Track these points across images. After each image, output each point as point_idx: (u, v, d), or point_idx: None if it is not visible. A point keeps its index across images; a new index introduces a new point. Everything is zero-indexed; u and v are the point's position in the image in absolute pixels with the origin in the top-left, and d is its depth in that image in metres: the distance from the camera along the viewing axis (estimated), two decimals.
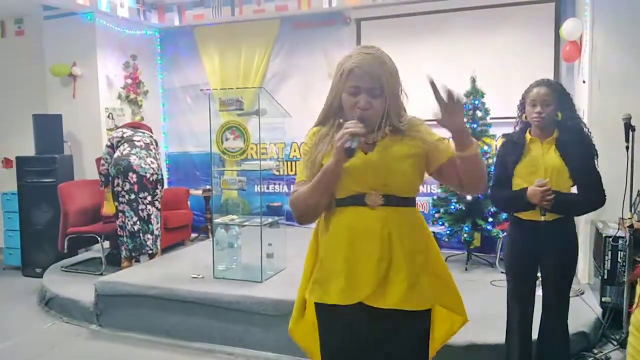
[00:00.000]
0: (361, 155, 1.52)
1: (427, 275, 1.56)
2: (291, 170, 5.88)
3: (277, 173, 5.72)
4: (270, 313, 3.26)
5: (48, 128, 5.20)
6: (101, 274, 4.10)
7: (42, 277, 4.60)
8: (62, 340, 3.56)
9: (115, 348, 3.44)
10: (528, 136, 2.35)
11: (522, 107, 2.37)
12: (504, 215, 4.26)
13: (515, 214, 2.39)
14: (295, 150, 5.89)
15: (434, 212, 4.68)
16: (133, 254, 4.43)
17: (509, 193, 2.37)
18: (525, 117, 2.34)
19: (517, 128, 2.44)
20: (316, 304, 1.62)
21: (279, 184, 5.78)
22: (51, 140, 5.19)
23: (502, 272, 4.22)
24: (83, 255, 5.18)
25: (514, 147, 2.36)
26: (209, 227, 5.85)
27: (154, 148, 4.62)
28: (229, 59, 6.05)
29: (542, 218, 2.25)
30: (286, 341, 3.16)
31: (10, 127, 6.06)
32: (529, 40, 4.92)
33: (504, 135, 2.54)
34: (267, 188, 5.81)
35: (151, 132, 4.80)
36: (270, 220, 3.97)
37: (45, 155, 5.11)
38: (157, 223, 4.51)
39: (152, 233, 4.43)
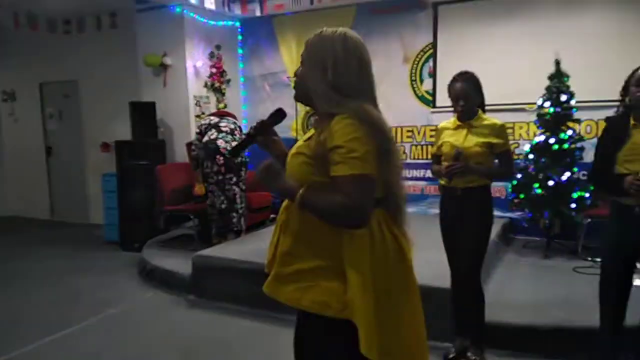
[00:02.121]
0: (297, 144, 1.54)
1: (306, 274, 1.44)
2: None
3: None
4: None
5: (143, 115, 5.64)
6: (194, 249, 4.46)
7: (139, 252, 5.04)
8: (163, 309, 3.92)
9: (210, 317, 3.74)
10: (632, 121, 2.29)
11: (625, 90, 2.32)
12: (590, 201, 4.18)
13: (617, 200, 2.36)
14: None
15: (512, 197, 4.65)
16: (222, 231, 4.78)
17: (608, 178, 2.34)
18: (630, 100, 2.28)
19: (618, 111, 2.39)
20: None
21: None
22: (146, 126, 5.63)
23: (586, 259, 4.15)
24: (174, 232, 5.60)
25: (615, 132, 2.32)
26: None
27: (238, 133, 4.91)
28: None
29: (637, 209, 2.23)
30: None
31: (108, 114, 6.60)
32: (625, 20, 4.66)
33: (607, 119, 2.51)
34: None
35: (235, 119, 5.09)
36: None
37: (141, 139, 5.55)
38: (242, 203, 4.83)
39: (237, 212, 4.77)
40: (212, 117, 4.93)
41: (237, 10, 6.09)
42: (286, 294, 1.47)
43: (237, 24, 6.56)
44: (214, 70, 6.20)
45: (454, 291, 2.90)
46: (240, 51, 6.64)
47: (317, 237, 1.43)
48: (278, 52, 6.39)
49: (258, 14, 6.09)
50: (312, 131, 1.51)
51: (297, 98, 1.56)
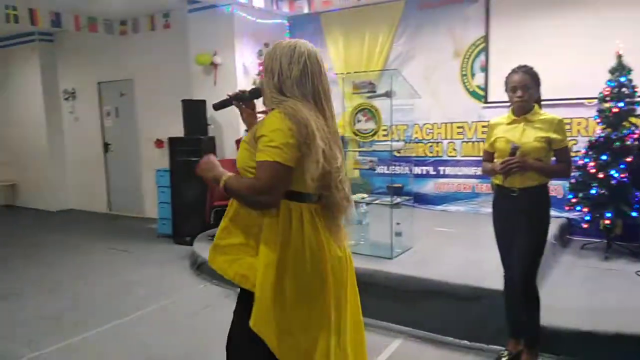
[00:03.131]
0: None
1: (237, 250, 1.68)
2: (412, 152, 5.91)
3: (397, 154, 5.78)
4: (401, 288, 3.39)
5: (194, 112, 5.80)
6: None
7: (191, 245, 5.19)
8: (214, 301, 4.03)
9: None
10: None
11: None
12: None
13: None
14: (417, 132, 5.90)
15: (570, 197, 4.45)
16: None
17: None
18: None
19: None
20: None
21: (401, 165, 5.84)
22: (197, 123, 5.78)
23: None
24: None
25: None
26: None
27: None
28: (352, 43, 6.20)
29: None
30: (414, 315, 3.30)
31: (162, 111, 6.82)
32: None
33: None
34: (389, 169, 5.90)
35: None
36: (399, 200, 4.07)
37: (192, 136, 5.71)
38: None
39: None
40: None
41: (285, 8, 6.14)
42: (218, 263, 1.71)
43: (285, 21, 6.61)
44: (262, 67, 6.26)
45: (507, 293, 2.80)
46: None
47: (247, 218, 1.65)
48: (325, 48, 6.39)
49: (306, 11, 6.12)
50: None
51: (263, 102, 1.74)
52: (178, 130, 5.93)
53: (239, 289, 1.74)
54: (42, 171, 8.33)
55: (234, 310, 1.78)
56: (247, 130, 1.87)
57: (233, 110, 6.61)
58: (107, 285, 4.47)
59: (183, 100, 5.84)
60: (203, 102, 5.84)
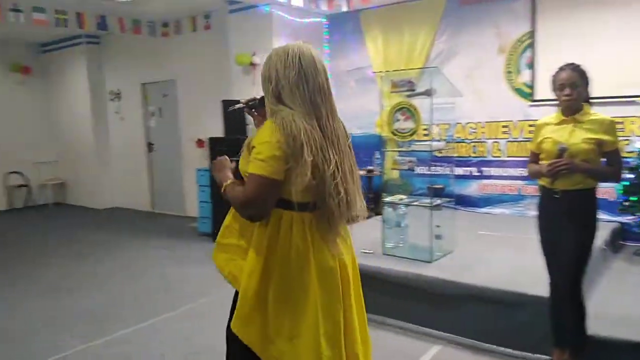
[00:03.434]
0: None
1: (233, 256, 1.74)
2: (455, 152, 5.75)
3: (439, 154, 5.64)
4: (441, 293, 3.29)
5: (234, 112, 5.83)
6: None
7: None
8: None
9: None
10: None
11: None
12: None
13: None
14: (459, 132, 5.74)
15: (622, 200, 4.21)
16: None
17: None
18: None
19: None
20: None
21: (442, 166, 5.69)
22: (236, 123, 5.83)
23: None
24: None
25: None
26: (371, 206, 6.05)
27: None
28: (392, 41, 6.09)
29: None
30: (455, 320, 3.19)
31: (202, 111, 6.94)
32: None
33: None
34: (429, 169, 5.76)
35: None
36: (439, 201, 3.96)
37: (232, 136, 5.77)
38: None
39: None
40: None
41: (324, 7, 6.11)
42: (218, 261, 1.77)
43: (324, 20, 6.58)
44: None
45: (552, 300, 2.67)
46: (326, 47, 6.66)
47: (244, 221, 1.68)
48: (364, 46, 6.32)
49: (344, 9, 6.06)
50: None
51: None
52: (219, 130, 6.00)
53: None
54: (89, 170, 8.66)
55: (230, 308, 1.79)
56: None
57: None
58: (149, 282, 4.57)
59: (223, 100, 5.91)
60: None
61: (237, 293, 1.71)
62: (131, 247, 5.92)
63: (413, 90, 3.87)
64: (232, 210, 1.74)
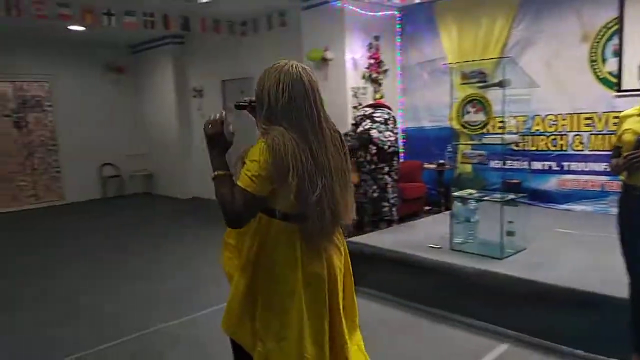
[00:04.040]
0: None
1: (228, 249, 1.87)
2: (532, 145, 5.50)
3: (516, 148, 5.42)
4: (510, 290, 3.19)
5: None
6: (347, 236, 4.59)
7: None
8: None
9: (358, 301, 3.84)
10: None
11: None
12: None
13: None
14: (538, 124, 5.47)
15: None
16: (373, 219, 4.86)
17: None
18: None
19: None
20: None
21: (518, 160, 5.47)
22: None
23: None
24: None
25: None
26: (442, 200, 5.95)
27: (392, 123, 4.92)
28: (467, 31, 5.92)
29: None
30: (524, 319, 3.09)
31: None
32: None
33: None
34: (504, 164, 5.56)
35: (390, 110, 5.10)
36: (511, 196, 3.83)
37: None
38: (394, 192, 4.85)
39: (388, 201, 4.80)
40: (367, 109, 5.03)
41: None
42: (223, 258, 1.89)
43: (397, 12, 6.52)
44: (371, 61, 6.28)
45: (633, 303, 2.51)
46: (398, 40, 6.60)
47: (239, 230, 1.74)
48: (438, 38, 6.20)
49: (417, 0, 5.97)
50: None
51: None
52: None
53: None
54: (173, 162, 9.27)
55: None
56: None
57: (342, 104, 6.72)
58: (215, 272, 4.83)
59: None
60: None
61: None
62: (207, 234, 6.27)
63: (485, 81, 3.76)
64: None
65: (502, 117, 3.82)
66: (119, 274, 4.85)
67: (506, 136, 3.91)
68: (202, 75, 8.76)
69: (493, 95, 3.84)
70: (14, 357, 3.19)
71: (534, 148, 5.42)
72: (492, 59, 5.09)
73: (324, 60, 6.12)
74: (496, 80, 3.77)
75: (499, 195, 3.80)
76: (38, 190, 8.92)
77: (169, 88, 9.04)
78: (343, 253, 1.84)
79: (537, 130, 5.47)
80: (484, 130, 3.98)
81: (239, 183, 1.58)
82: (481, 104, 3.87)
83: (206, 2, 6.17)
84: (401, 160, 5.00)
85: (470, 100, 3.96)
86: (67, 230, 6.94)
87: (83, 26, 7.04)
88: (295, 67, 1.66)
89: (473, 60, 5.15)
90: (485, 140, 4.05)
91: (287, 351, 1.68)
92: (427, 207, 6.15)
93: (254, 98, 1.78)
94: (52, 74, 8.82)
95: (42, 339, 3.43)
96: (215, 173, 1.64)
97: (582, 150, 5.17)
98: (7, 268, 5.17)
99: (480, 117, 3.88)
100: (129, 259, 5.37)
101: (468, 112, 3.96)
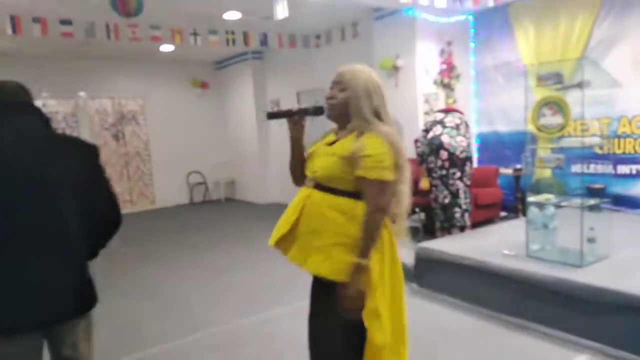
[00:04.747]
0: (319, 146, 1.95)
1: (334, 250, 1.78)
2: (618, 148, 5.18)
3: (599, 151, 5.14)
4: (591, 300, 3.07)
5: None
6: (419, 241, 4.63)
7: None
8: None
9: (430, 306, 3.86)
10: None
11: None
12: None
13: None
14: (624, 126, 5.15)
15: None
16: (444, 225, 4.84)
17: None
18: None
19: None
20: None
21: (603, 164, 5.18)
22: None
23: None
24: None
25: None
26: (519, 206, 5.77)
27: (464, 128, 4.88)
28: (545, 31, 5.73)
29: None
30: (605, 330, 2.96)
31: None
32: None
33: None
34: (588, 168, 5.29)
35: (462, 114, 5.06)
36: (592, 202, 3.67)
37: None
38: (466, 198, 4.79)
39: (460, 207, 4.75)
40: (438, 114, 5.03)
41: (469, 4, 5.99)
42: (312, 264, 1.82)
43: (470, 16, 6.45)
44: (444, 66, 6.25)
45: None
46: (473, 44, 6.51)
47: (334, 222, 1.79)
48: (513, 40, 6.04)
49: (491, 4, 5.87)
50: (331, 137, 1.95)
51: (333, 117, 1.92)
52: None
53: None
54: (253, 170, 9.75)
55: (318, 311, 1.96)
56: (294, 139, 2.02)
57: (413, 110, 6.71)
58: (298, 268, 5.01)
59: None
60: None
61: (330, 288, 1.81)
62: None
63: (561, 83, 3.65)
64: (314, 216, 1.83)
65: (582, 119, 3.68)
66: (203, 269, 5.22)
67: (587, 139, 3.75)
68: (279, 87, 9.14)
69: (572, 98, 3.70)
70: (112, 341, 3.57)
71: (620, 151, 5.11)
72: (567, 60, 4.90)
73: (395, 68, 6.19)
74: (575, 82, 3.65)
75: (579, 201, 3.65)
76: (133, 196, 9.77)
77: (249, 100, 9.54)
78: None
79: (624, 132, 5.15)
80: (562, 134, 3.83)
81: (374, 176, 1.73)
82: (559, 106, 3.74)
83: (282, 19, 6.48)
84: (475, 166, 4.92)
85: (546, 103, 3.83)
86: (158, 231, 7.55)
87: (172, 45, 7.66)
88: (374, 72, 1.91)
89: (547, 62, 4.99)
90: (563, 144, 3.91)
91: (394, 329, 1.87)
92: (503, 214, 5.99)
93: (286, 108, 1.98)
94: (145, 90, 9.66)
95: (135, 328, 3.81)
96: (360, 262, 1.74)
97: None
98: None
99: (558, 120, 3.74)
100: (212, 256, 5.77)
101: (544, 115, 3.83)
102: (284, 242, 1.92)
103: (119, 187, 9.58)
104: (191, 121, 10.15)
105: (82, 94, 9.24)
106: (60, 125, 8.95)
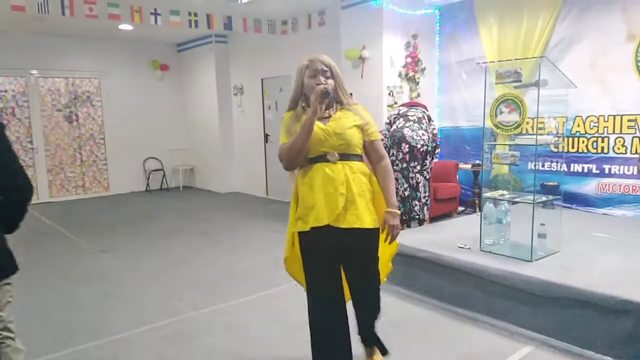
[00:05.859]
0: (321, 125, 2.25)
1: (370, 205, 2.32)
2: (572, 147, 5.35)
3: (555, 150, 5.29)
4: (539, 293, 3.16)
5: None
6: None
7: None
8: None
9: (386, 298, 3.86)
10: None
11: None
12: None
13: None
14: (579, 126, 5.32)
15: None
16: (403, 217, 4.87)
17: None
18: None
19: None
20: (299, 233, 2.36)
21: (557, 162, 5.34)
22: None
23: None
24: None
25: None
26: (477, 201, 5.88)
27: (426, 122, 4.91)
28: (508, 29, 5.82)
29: None
30: (551, 322, 3.05)
31: None
32: None
33: None
34: (542, 165, 5.44)
35: (425, 109, 5.09)
36: (544, 198, 3.76)
37: None
38: (425, 192, 4.84)
39: (419, 200, 4.80)
40: (401, 107, 5.05)
41: None
42: (367, 221, 2.28)
43: (437, 10, 6.48)
44: (409, 59, 6.27)
45: None
46: (437, 39, 6.56)
47: (363, 182, 2.32)
48: (478, 37, 6.12)
49: None
50: (340, 114, 2.34)
51: (331, 99, 2.30)
52: None
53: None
54: (214, 157, 9.55)
55: (367, 248, 2.42)
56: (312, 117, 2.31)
57: (377, 103, 6.65)
58: (257, 261, 4.98)
59: None
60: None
61: (373, 231, 2.35)
62: (245, 228, 6.45)
63: (519, 81, 3.71)
64: (355, 185, 2.28)
65: (537, 118, 3.76)
66: (159, 258, 5.09)
67: (541, 137, 3.84)
68: (243, 73, 8.97)
69: (529, 96, 3.77)
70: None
71: (573, 150, 5.28)
72: (523, 58, 5.00)
73: (361, 58, 6.16)
74: (532, 81, 3.71)
75: (530, 197, 3.74)
76: (86, 181, 9.41)
77: (211, 86, 9.31)
78: None
79: (578, 132, 5.32)
80: (519, 131, 3.91)
81: (378, 137, 2.37)
82: (515, 104, 3.82)
83: (248, 2, 6.33)
84: (436, 160, 4.97)
85: (504, 100, 3.90)
86: (112, 219, 7.30)
87: (131, 25, 7.37)
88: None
89: (509, 60, 5.08)
90: (518, 141, 3.99)
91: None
92: (461, 208, 6.10)
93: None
94: (102, 70, 9.28)
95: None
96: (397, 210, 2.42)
97: (624, 154, 5.00)
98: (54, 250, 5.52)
99: (514, 117, 3.82)
100: (167, 246, 5.61)
101: (502, 112, 3.91)
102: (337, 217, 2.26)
103: (70, 172, 9.21)
104: (149, 105, 9.83)
105: (33, 72, 8.80)
106: (9, 105, 8.50)
